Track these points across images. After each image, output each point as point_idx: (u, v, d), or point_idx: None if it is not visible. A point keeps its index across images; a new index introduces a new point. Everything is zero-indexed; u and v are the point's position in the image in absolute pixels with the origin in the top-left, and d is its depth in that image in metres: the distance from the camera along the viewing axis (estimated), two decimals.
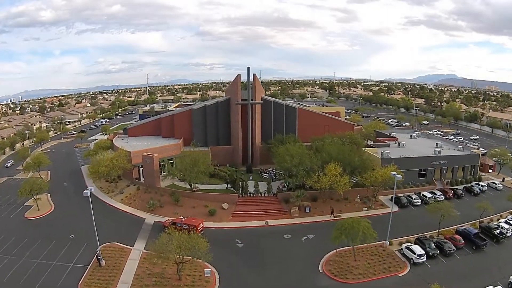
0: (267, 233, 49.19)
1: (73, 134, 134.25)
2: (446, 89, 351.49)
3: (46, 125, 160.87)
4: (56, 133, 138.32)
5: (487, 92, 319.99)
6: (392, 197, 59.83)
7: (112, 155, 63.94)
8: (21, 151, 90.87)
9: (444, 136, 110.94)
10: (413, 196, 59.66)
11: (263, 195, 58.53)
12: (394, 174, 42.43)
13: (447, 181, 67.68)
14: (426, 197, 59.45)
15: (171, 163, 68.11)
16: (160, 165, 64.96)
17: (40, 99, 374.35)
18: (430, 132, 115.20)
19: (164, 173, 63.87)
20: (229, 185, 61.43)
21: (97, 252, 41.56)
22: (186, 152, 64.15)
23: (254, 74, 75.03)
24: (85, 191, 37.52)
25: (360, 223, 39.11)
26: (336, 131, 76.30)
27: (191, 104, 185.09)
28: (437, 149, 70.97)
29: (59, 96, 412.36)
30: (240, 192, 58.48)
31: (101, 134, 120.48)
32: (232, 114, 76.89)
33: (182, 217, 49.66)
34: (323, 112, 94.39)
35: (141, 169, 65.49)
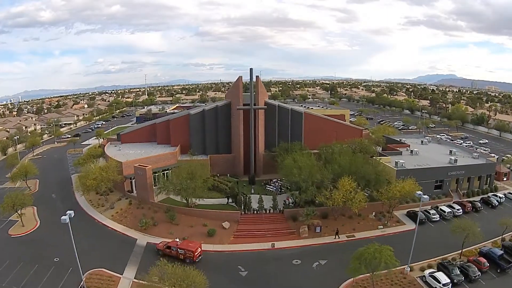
0: (274, 258, 43.76)
1: (67, 137, 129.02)
2: (447, 89, 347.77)
3: (41, 128, 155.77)
4: (51, 136, 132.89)
5: (489, 93, 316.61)
6: (408, 211, 55.82)
7: (101, 165, 58.81)
8: (9, 158, 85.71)
9: (452, 140, 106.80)
10: (431, 211, 54.76)
11: (268, 212, 53.18)
12: (420, 194, 37.44)
13: (464, 192, 63.11)
14: (445, 212, 55.00)
15: (167, 173, 62.96)
16: (154, 176, 59.90)
17: (39, 99, 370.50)
18: (438, 136, 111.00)
19: (159, 185, 58.17)
20: (230, 200, 56.26)
21: (81, 284, 36.50)
22: (182, 164, 58.63)
23: (257, 76, 69.82)
24: (63, 217, 32.28)
25: (381, 251, 34.03)
26: (345, 138, 71.41)
27: (190, 106, 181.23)
28: (452, 157, 66.16)
29: (58, 96, 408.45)
30: (242, 208, 53.15)
31: (95, 139, 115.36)
32: (233, 119, 71.55)
33: (178, 240, 44.33)
34: (328, 115, 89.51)
35: (133, 180, 60.17)
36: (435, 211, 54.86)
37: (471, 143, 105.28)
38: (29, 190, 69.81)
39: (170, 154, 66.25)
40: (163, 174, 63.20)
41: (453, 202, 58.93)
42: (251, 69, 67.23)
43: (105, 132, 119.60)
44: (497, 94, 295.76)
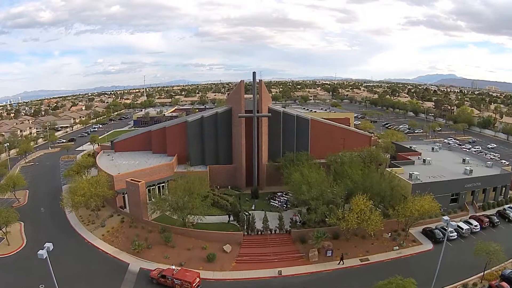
0: (281, 287, 39.32)
1: (62, 142, 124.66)
2: (450, 90, 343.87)
3: (37, 131, 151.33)
4: (46, 140, 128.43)
5: (490, 93, 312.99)
6: (423, 229, 51.60)
7: (91, 179, 54.49)
8: None
9: (461, 145, 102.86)
10: (448, 229, 50.43)
11: (273, 232, 48.51)
12: (447, 219, 33.37)
13: (479, 205, 59.03)
14: (462, 229, 50.87)
15: (162, 187, 58.53)
16: (149, 190, 55.52)
17: (39, 100, 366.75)
18: (446, 141, 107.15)
19: (153, 201, 53.08)
20: (231, 218, 51.72)
21: None
22: (179, 177, 53.98)
23: (260, 80, 65.36)
24: (40, 252, 27.86)
25: (405, 287, 29.96)
26: (353, 145, 67.26)
27: (189, 108, 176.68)
28: (467, 167, 61.81)
29: (58, 97, 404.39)
30: (245, 228, 48.55)
31: (89, 144, 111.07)
32: (234, 127, 66.98)
33: (174, 268, 39.83)
34: (333, 119, 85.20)
35: (126, 195, 55.73)
36: (452, 229, 50.72)
37: (480, 148, 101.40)
38: (18, 202, 65.91)
39: (166, 166, 61.67)
40: (159, 188, 58.78)
41: (470, 217, 54.96)
42: (254, 73, 62.73)
43: (100, 137, 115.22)
44: (498, 94, 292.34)
